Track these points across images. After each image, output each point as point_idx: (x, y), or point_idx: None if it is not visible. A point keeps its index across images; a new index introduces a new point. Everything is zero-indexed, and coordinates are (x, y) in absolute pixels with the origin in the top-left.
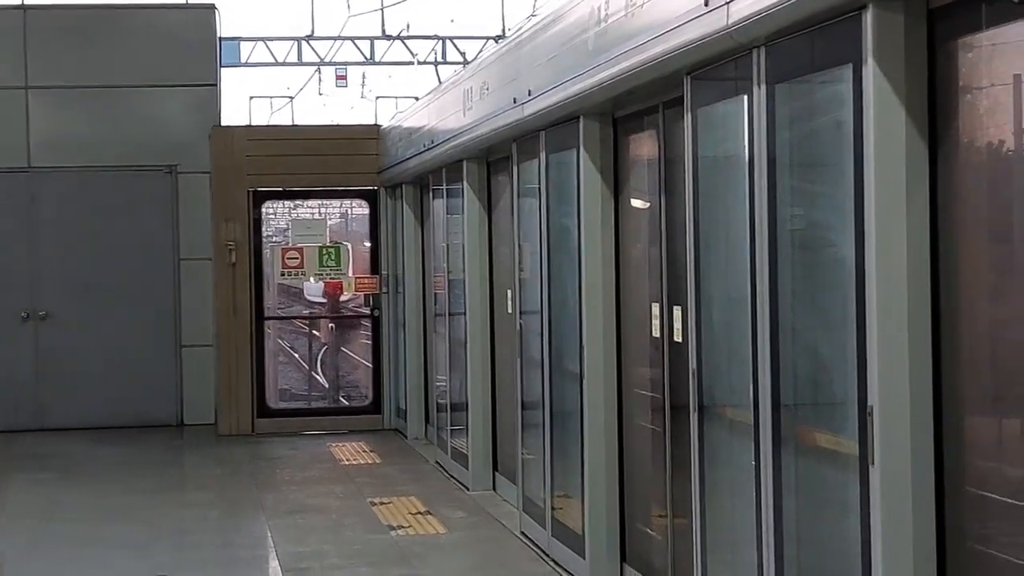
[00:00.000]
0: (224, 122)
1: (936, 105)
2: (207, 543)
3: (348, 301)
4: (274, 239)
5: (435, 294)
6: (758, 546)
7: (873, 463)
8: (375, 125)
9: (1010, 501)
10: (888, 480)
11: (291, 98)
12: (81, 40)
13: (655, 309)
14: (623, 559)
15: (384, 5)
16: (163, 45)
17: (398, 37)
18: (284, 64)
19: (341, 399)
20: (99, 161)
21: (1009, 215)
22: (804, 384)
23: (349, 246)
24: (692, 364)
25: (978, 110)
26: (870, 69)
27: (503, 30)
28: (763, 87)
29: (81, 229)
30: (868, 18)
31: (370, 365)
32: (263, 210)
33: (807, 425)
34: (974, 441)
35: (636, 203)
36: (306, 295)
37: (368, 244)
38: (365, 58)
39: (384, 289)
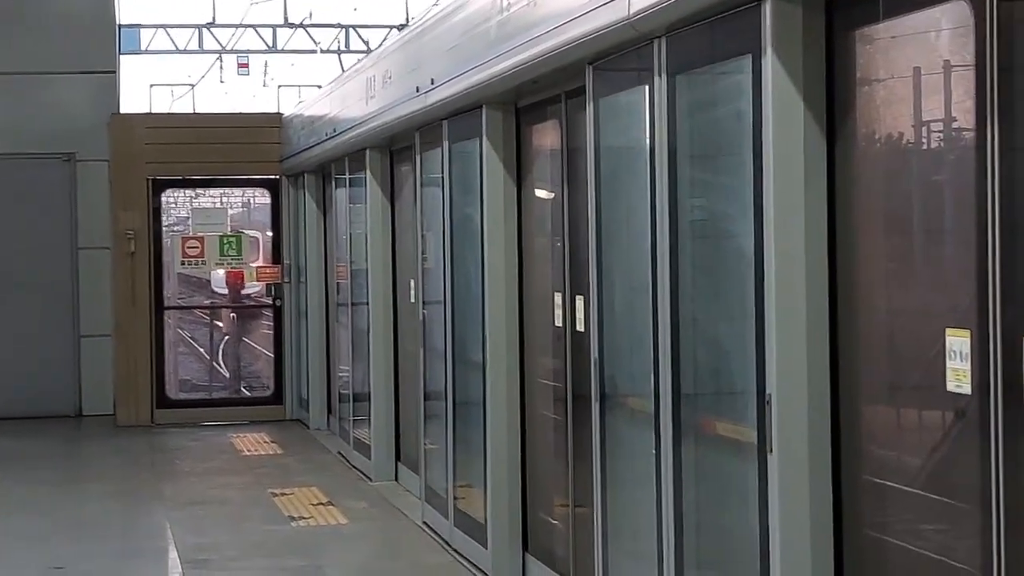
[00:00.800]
0: (124, 110)
1: (834, 96)
2: (105, 535)
3: (252, 293)
4: (175, 228)
5: (338, 284)
6: (658, 535)
7: (771, 451)
8: (277, 113)
9: (906, 489)
10: (786, 468)
11: (192, 86)
12: None
13: (558, 299)
14: (525, 548)
15: None
16: (61, 32)
17: (301, 25)
18: (185, 52)
19: (243, 389)
20: None
21: (905, 206)
22: (705, 373)
23: (259, 235)
24: (594, 354)
25: (875, 101)
26: (769, 60)
27: (407, 19)
28: (664, 77)
29: None
30: (767, 9)
31: (272, 355)
32: (163, 199)
33: (707, 414)
34: (871, 429)
35: (539, 193)
36: (213, 286)
37: (270, 233)
38: (267, 46)
39: (286, 279)
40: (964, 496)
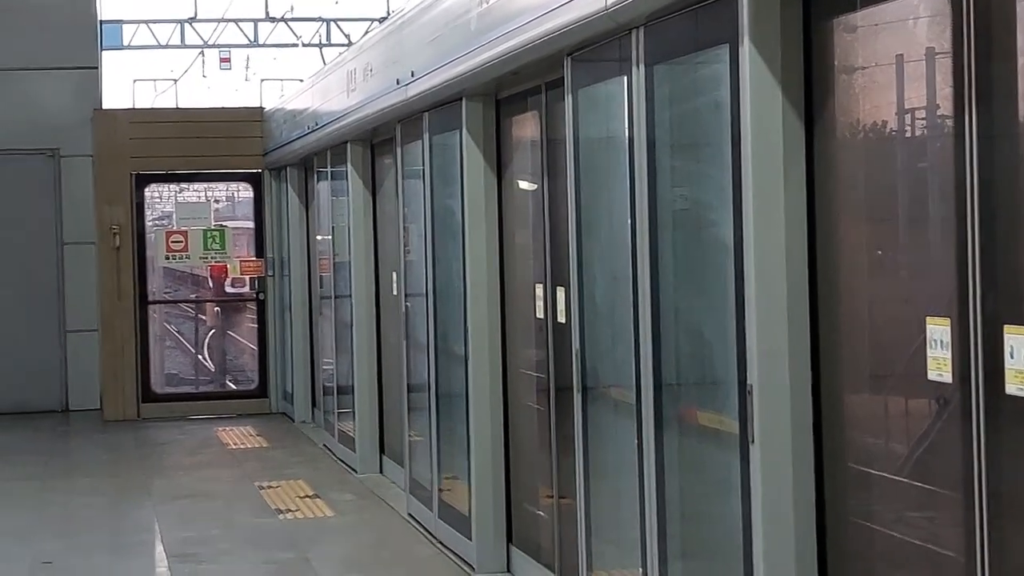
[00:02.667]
0: (107, 105)
1: (812, 85)
2: (93, 529)
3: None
4: (160, 222)
5: (320, 277)
6: (641, 525)
7: (753, 441)
8: (259, 107)
9: (889, 476)
10: (768, 457)
11: (175, 81)
12: None
13: (539, 290)
14: (509, 540)
15: None
16: (42, 28)
17: (282, 19)
18: (167, 47)
19: (228, 383)
20: None
21: (884, 194)
22: (686, 363)
23: (252, 226)
24: (575, 345)
25: (853, 89)
26: (746, 49)
27: (388, 11)
28: (642, 68)
29: None
30: None
31: (256, 349)
32: (147, 193)
33: (689, 404)
34: (853, 417)
35: (520, 185)
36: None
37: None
38: (249, 40)
39: (269, 272)
40: (946, 483)
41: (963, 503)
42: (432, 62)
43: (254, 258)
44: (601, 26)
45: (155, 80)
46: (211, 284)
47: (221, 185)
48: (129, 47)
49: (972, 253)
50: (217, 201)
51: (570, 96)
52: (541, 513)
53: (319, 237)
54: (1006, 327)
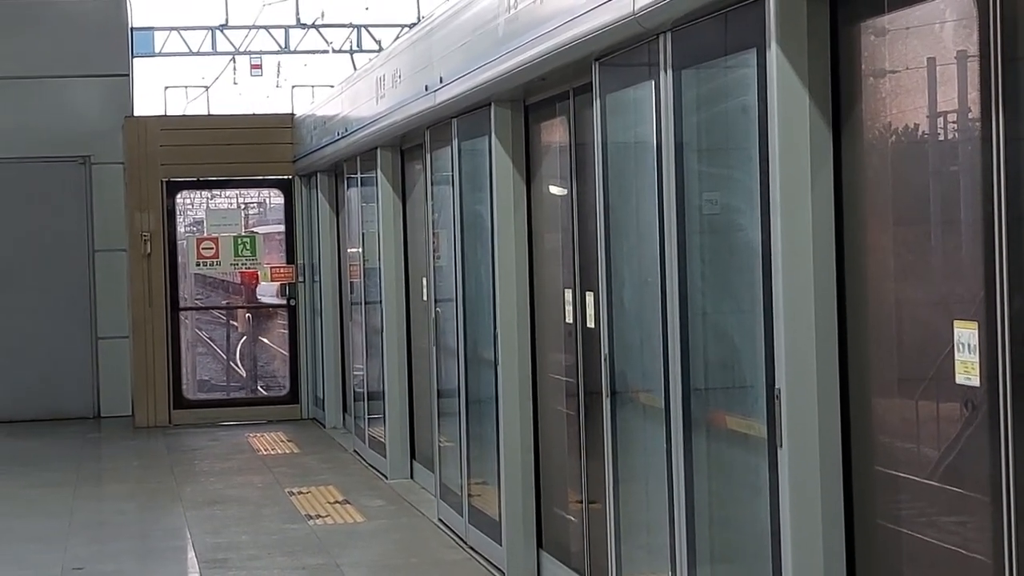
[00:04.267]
0: (139, 112)
1: (840, 89)
2: (124, 535)
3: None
4: (191, 228)
5: (351, 283)
6: (671, 529)
7: (781, 445)
8: (289, 114)
9: (917, 479)
10: (796, 461)
11: (206, 88)
12: None
13: (568, 295)
14: (539, 545)
15: None
16: (74, 35)
17: (313, 25)
18: (198, 54)
19: (259, 389)
20: (11, 152)
21: (911, 198)
22: (714, 368)
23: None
24: (604, 349)
25: (880, 93)
26: (773, 53)
27: (418, 17)
28: (670, 72)
29: None
30: (771, 2)
31: (287, 355)
32: (178, 200)
33: (718, 409)
34: (881, 421)
35: (548, 189)
36: (258, 295)
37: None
38: (280, 47)
39: (300, 278)
40: (974, 486)
41: (991, 506)
42: (460, 68)
43: (284, 264)
44: (628, 31)
45: (186, 87)
46: (242, 290)
47: (252, 192)
48: (160, 54)
49: (999, 256)
50: (247, 208)
51: (598, 101)
52: (571, 518)
53: (350, 246)
54: None
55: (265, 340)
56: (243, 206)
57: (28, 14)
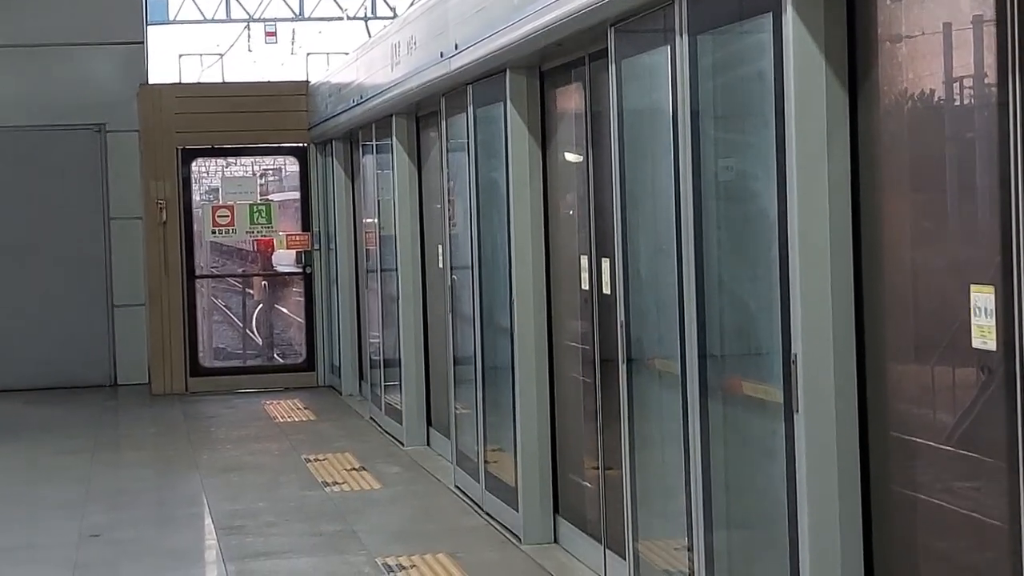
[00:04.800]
0: (154, 80)
1: (856, 54)
2: (142, 502)
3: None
4: (208, 197)
5: (367, 250)
6: (687, 495)
7: (798, 410)
8: (304, 81)
9: (933, 444)
10: (812, 426)
11: (221, 55)
12: (5, 0)
13: (584, 262)
14: (556, 511)
15: None
16: (89, 3)
17: None
18: (212, 21)
19: (275, 357)
20: (27, 121)
21: (928, 163)
22: (730, 334)
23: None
24: (620, 316)
25: (897, 58)
26: (789, 18)
27: None
28: (685, 38)
29: (9, 189)
30: None
31: (303, 323)
32: (193, 168)
33: (734, 375)
34: (897, 386)
35: (564, 156)
36: (275, 263)
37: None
38: (294, 14)
39: (316, 246)
40: (991, 451)
41: (1007, 471)
42: (476, 34)
43: (300, 232)
44: None
45: (201, 55)
46: (258, 258)
47: (267, 159)
48: (175, 22)
49: (1017, 221)
50: (263, 175)
51: (614, 67)
52: (587, 484)
53: (365, 213)
54: None
55: (281, 308)
56: (258, 174)
57: None
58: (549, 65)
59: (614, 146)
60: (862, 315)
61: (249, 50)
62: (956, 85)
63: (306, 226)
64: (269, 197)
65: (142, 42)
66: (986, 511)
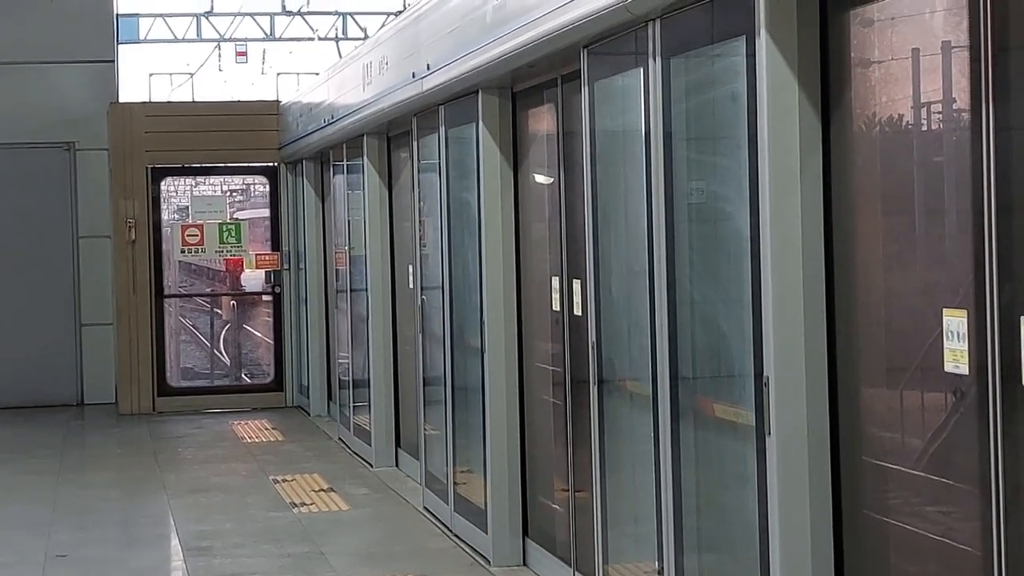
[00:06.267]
0: (123, 99)
1: (829, 77)
2: (108, 522)
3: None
4: (177, 216)
5: (336, 270)
6: (658, 517)
7: (769, 433)
8: (275, 101)
9: (905, 470)
10: (784, 450)
11: (191, 75)
12: None
13: (555, 283)
14: (525, 533)
15: None
16: (60, 21)
17: (298, 13)
18: (183, 40)
19: (243, 377)
20: None
21: (901, 186)
22: (702, 356)
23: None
24: (592, 337)
25: (870, 82)
26: (763, 41)
27: (404, 5)
28: (659, 60)
29: None
30: None
31: (272, 342)
32: (163, 187)
33: (705, 396)
34: (869, 411)
35: (536, 177)
36: (243, 283)
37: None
38: (265, 34)
39: (285, 266)
40: (963, 476)
41: (980, 496)
42: (448, 55)
43: (270, 252)
44: (617, 18)
45: (171, 74)
46: (226, 278)
47: (237, 179)
48: (145, 41)
49: (989, 244)
50: (232, 194)
51: (586, 88)
52: (557, 507)
53: (335, 233)
54: (1023, 318)
55: (249, 328)
56: (228, 192)
57: (13, 0)
58: (521, 86)
59: (586, 167)
60: (834, 338)
61: (220, 69)
62: (928, 109)
63: (276, 246)
64: (238, 216)
65: (113, 61)
66: (958, 537)
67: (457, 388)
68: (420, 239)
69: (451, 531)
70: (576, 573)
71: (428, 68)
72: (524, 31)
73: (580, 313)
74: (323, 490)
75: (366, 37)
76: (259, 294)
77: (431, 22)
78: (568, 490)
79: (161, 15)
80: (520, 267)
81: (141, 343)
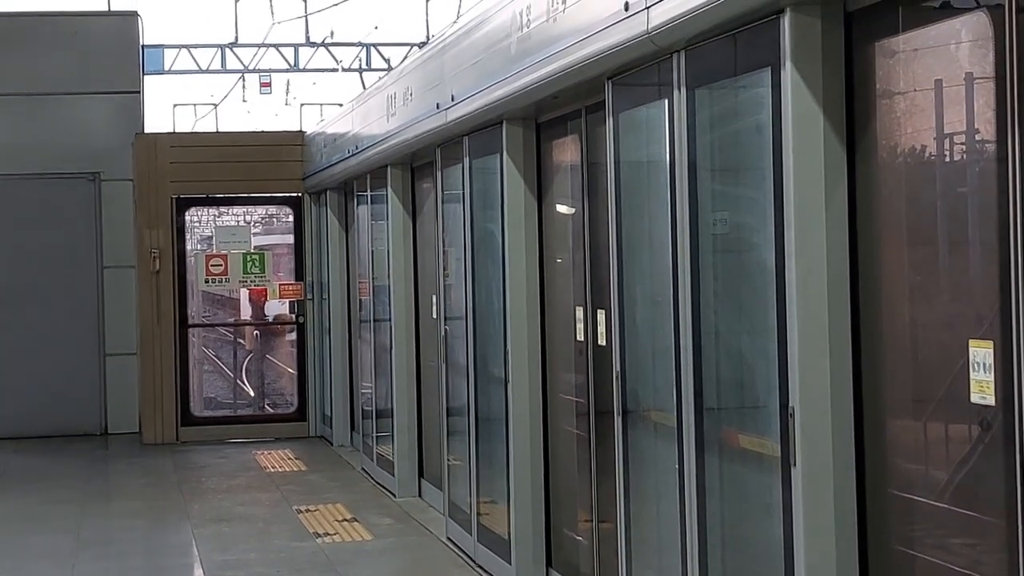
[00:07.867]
0: (148, 129)
1: (854, 108)
2: (132, 552)
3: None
4: (201, 246)
5: (360, 300)
6: (682, 549)
7: (795, 464)
8: (300, 131)
9: (931, 502)
10: (810, 481)
11: (215, 105)
12: (2, 48)
13: (579, 313)
14: (549, 564)
15: (308, 12)
16: (86, 53)
17: (322, 44)
18: (208, 71)
19: (267, 407)
20: (22, 169)
21: (926, 217)
22: (727, 387)
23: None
24: (616, 368)
25: (895, 113)
26: (788, 73)
27: (427, 36)
28: (683, 91)
29: (4, 237)
30: (786, 22)
31: (295, 372)
32: (187, 217)
33: (730, 427)
34: (895, 442)
35: (560, 208)
36: (266, 313)
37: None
38: (289, 65)
39: (308, 296)
40: (989, 509)
41: (1006, 528)
42: (472, 86)
43: (293, 282)
44: (642, 50)
45: (195, 105)
46: (250, 308)
47: (260, 209)
48: (170, 72)
49: (1015, 275)
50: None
51: (611, 119)
52: (580, 538)
53: (359, 263)
54: None
55: (272, 358)
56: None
57: (40, 31)
58: (546, 117)
59: (611, 198)
60: (860, 369)
61: (244, 100)
62: (954, 140)
63: (299, 276)
64: (260, 243)
65: (138, 91)
66: (985, 569)
67: (481, 418)
68: (444, 269)
69: (474, 561)
70: None
71: (452, 99)
72: (549, 62)
73: (604, 343)
74: (346, 520)
75: (389, 68)
76: (283, 324)
77: (456, 53)
78: (592, 521)
79: (186, 46)
80: (544, 297)
81: (165, 373)
